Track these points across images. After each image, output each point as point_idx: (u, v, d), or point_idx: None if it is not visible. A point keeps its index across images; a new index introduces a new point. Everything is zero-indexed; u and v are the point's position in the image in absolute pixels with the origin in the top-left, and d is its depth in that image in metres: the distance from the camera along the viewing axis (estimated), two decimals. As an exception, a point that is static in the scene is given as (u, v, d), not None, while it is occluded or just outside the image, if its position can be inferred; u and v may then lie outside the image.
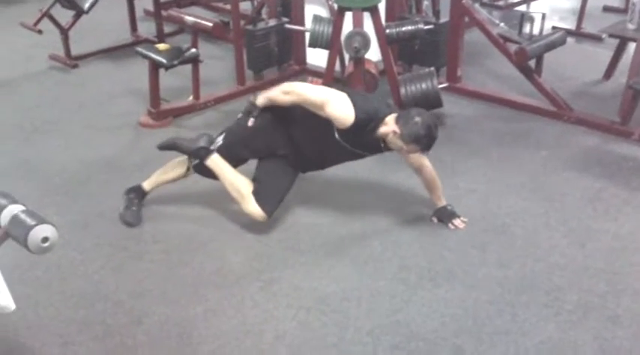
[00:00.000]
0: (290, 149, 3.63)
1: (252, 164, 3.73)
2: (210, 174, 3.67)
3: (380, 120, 3.37)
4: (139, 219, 3.73)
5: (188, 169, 3.74)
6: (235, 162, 3.67)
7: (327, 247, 3.53)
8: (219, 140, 3.70)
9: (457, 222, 3.66)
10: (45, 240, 2.36)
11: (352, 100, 3.34)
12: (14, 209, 2.44)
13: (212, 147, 3.66)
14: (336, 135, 3.42)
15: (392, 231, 3.64)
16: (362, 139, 3.43)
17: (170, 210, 3.86)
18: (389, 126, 3.33)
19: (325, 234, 3.64)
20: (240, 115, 3.70)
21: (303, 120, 3.54)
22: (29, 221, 2.37)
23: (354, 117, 3.31)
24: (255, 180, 3.63)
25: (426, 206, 3.79)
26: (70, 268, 3.38)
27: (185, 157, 3.75)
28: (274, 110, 3.58)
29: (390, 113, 3.41)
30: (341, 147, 3.48)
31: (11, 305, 2.39)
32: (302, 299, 3.14)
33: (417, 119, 3.26)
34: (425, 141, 3.31)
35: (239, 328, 2.97)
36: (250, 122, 3.57)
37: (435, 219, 3.70)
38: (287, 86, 3.53)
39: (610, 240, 3.55)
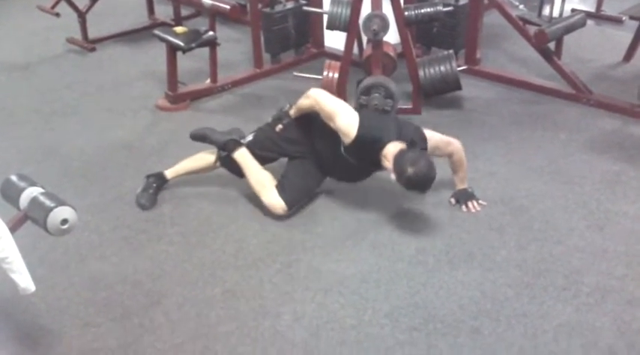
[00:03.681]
0: (313, 157, 3.70)
1: (277, 167, 3.78)
2: (236, 169, 3.73)
3: (381, 146, 3.39)
4: (153, 203, 3.75)
5: (216, 161, 3.77)
6: (262, 159, 3.72)
7: (344, 230, 3.53)
8: (250, 137, 3.79)
9: (472, 204, 3.65)
10: (64, 221, 2.38)
11: (361, 120, 3.41)
12: (33, 191, 2.47)
13: (242, 142, 3.74)
14: (342, 150, 3.49)
15: (410, 214, 3.64)
16: (365, 158, 3.49)
17: (189, 192, 3.87)
18: (389, 160, 3.35)
19: (343, 217, 3.64)
20: (270, 120, 3.82)
21: (322, 132, 3.59)
22: (48, 203, 2.39)
23: (355, 135, 3.38)
24: (282, 175, 3.69)
25: (444, 189, 3.78)
26: (88, 250, 3.40)
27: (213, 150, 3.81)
28: (301, 119, 3.70)
29: (394, 141, 3.40)
30: (349, 163, 3.54)
31: (31, 287, 2.42)
32: (320, 281, 3.15)
33: (410, 170, 3.24)
34: (418, 190, 3.41)
35: (257, 310, 2.98)
36: (278, 128, 3.72)
37: (453, 200, 3.70)
38: (310, 91, 3.60)
39: (629, 223, 3.52)
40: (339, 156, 3.53)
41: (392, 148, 3.36)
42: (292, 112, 3.73)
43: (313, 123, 3.64)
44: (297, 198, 3.64)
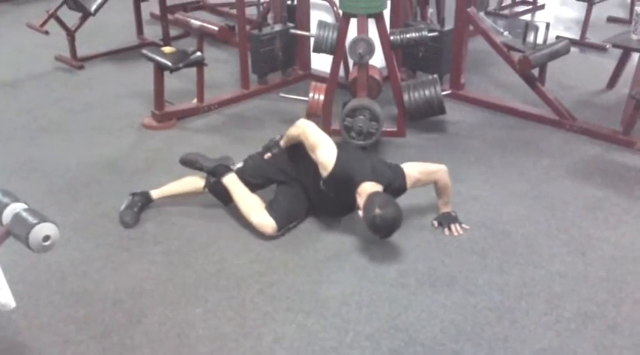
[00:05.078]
0: (300, 187, 3.73)
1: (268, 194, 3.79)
2: (223, 196, 3.75)
3: (356, 184, 3.42)
4: (136, 221, 3.75)
5: (205, 187, 3.78)
6: (251, 186, 3.74)
7: (327, 251, 3.54)
8: (239, 164, 3.82)
9: (455, 227, 3.67)
10: (46, 238, 2.36)
11: (338, 156, 3.44)
12: (16, 207, 2.45)
13: (231, 168, 3.77)
14: (321, 184, 3.52)
15: (392, 237, 3.64)
16: (341, 194, 3.51)
17: (172, 211, 3.87)
18: (362, 197, 3.38)
19: (325, 239, 3.64)
20: (261, 149, 3.86)
21: (307, 165, 3.62)
22: (31, 219, 2.38)
23: (331, 168, 3.41)
24: (271, 199, 3.71)
25: (427, 212, 3.80)
26: (70, 267, 3.38)
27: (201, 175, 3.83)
28: (290, 151, 3.75)
29: (369, 180, 3.42)
30: (328, 197, 3.57)
31: (11, 303, 2.40)
32: (302, 302, 3.15)
33: (377, 212, 3.27)
34: (381, 234, 3.41)
35: (238, 330, 2.97)
36: (267, 156, 3.78)
37: (435, 223, 3.72)
38: (299, 121, 3.65)
39: (610, 249, 3.54)
40: (320, 190, 3.56)
41: (367, 187, 3.40)
42: (282, 142, 3.77)
43: (300, 156, 3.67)
44: (287, 219, 3.64)
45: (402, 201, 3.81)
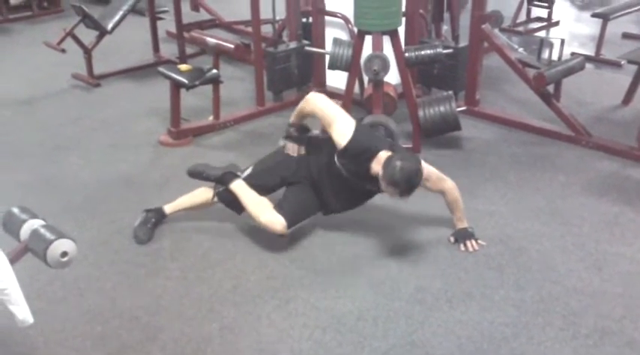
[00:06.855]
0: (311, 183, 3.73)
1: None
2: (233, 205, 3.74)
3: (373, 154, 3.42)
4: (150, 237, 3.76)
5: (214, 197, 3.78)
6: (259, 190, 3.72)
7: (343, 267, 3.54)
8: (248, 170, 3.82)
9: (471, 243, 3.66)
10: (64, 254, 2.39)
11: (356, 129, 3.48)
12: (34, 223, 2.48)
13: (238, 174, 3.77)
14: (336, 159, 3.55)
15: (408, 252, 3.64)
16: (358, 169, 3.51)
17: (188, 227, 3.88)
18: (379, 164, 3.37)
19: (341, 254, 3.64)
20: (281, 140, 3.91)
21: (316, 151, 3.68)
22: (49, 235, 2.40)
23: (348, 140, 3.44)
24: (280, 200, 3.71)
25: (443, 227, 3.79)
26: (87, 284, 3.40)
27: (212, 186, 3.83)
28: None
29: (386, 149, 3.44)
30: (342, 176, 3.59)
31: (29, 319, 2.42)
32: (318, 318, 3.15)
33: (398, 163, 3.27)
34: (402, 186, 3.31)
35: (254, 346, 2.97)
36: (281, 141, 3.85)
37: (452, 239, 3.71)
38: (309, 95, 3.69)
39: (627, 265, 3.53)
40: (333, 173, 3.58)
41: (384, 155, 3.40)
42: (292, 118, 3.83)
43: (311, 149, 3.73)
44: (296, 218, 3.64)
45: (418, 214, 3.83)
